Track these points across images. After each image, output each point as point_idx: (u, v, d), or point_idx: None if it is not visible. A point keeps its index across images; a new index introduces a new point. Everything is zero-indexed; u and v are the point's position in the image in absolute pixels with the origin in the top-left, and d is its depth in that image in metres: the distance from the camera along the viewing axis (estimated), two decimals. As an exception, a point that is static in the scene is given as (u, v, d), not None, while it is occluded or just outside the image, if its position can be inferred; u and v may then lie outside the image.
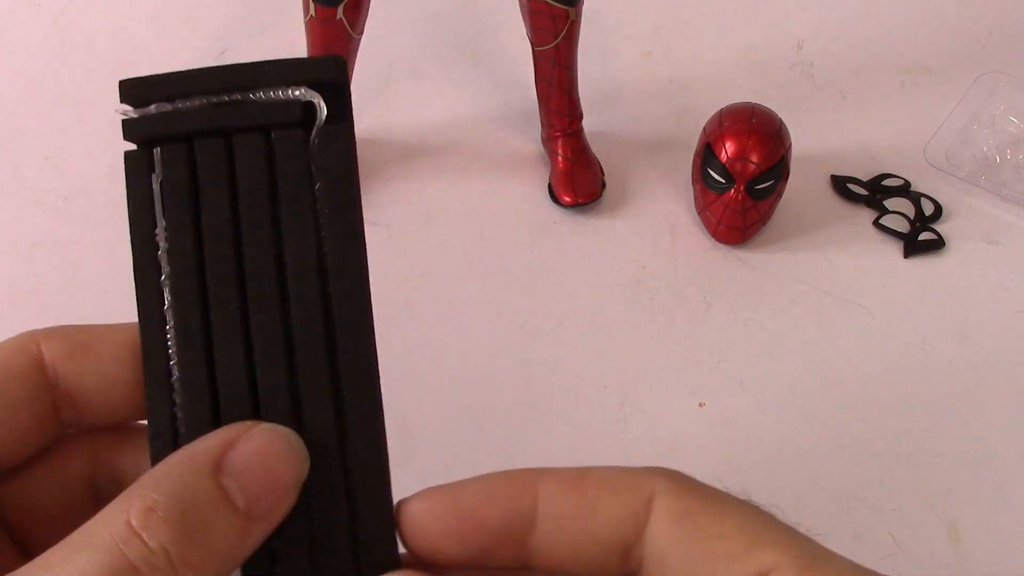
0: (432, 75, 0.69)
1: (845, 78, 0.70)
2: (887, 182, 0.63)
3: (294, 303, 0.24)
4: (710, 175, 0.58)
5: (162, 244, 0.25)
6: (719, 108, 0.59)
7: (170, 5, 0.72)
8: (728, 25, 0.73)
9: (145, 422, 0.24)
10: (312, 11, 0.56)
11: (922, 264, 0.60)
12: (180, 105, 0.24)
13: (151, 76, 0.25)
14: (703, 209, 0.60)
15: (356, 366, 0.24)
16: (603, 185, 0.62)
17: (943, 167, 0.63)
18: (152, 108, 0.25)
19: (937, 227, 0.61)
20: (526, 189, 0.62)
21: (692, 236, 0.60)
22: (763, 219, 0.59)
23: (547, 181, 0.62)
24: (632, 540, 0.22)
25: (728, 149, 0.57)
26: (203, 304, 0.24)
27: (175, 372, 0.24)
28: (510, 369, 0.54)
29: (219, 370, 0.24)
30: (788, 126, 0.58)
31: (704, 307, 0.57)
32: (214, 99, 0.24)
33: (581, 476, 0.23)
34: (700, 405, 0.53)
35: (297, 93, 0.24)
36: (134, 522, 0.20)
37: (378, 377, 0.24)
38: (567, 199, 0.60)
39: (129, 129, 0.25)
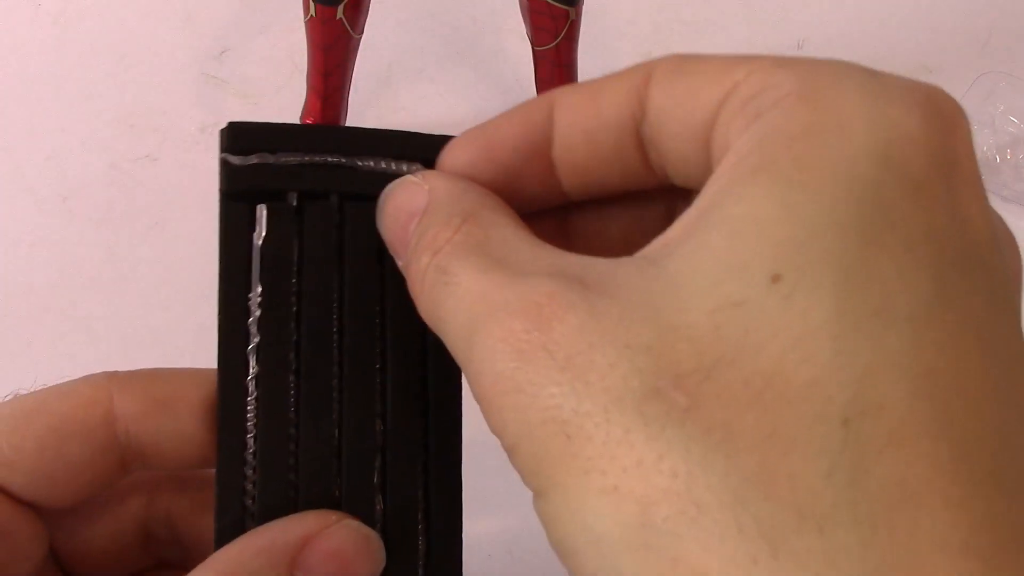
0: (432, 75, 0.69)
1: (845, 78, 0.69)
2: (887, 182, 0.63)
3: (391, 387, 0.23)
4: (710, 175, 0.58)
5: (254, 310, 0.23)
6: (719, 108, 0.59)
7: (170, 5, 0.72)
8: (728, 25, 0.73)
9: (206, 469, 0.24)
10: (312, 11, 0.56)
11: (922, 264, 0.59)
12: (282, 159, 0.23)
13: (259, 124, 0.23)
14: (703, 209, 0.59)
15: (444, 456, 0.23)
16: (603, 185, 0.61)
17: (943, 167, 0.63)
18: (254, 158, 0.23)
19: (937, 227, 0.61)
20: (526, 189, 0.62)
21: (692, 236, 0.60)
22: (763, 219, 0.59)
23: (547, 181, 0.62)
24: (638, 115, 0.21)
25: (728, 149, 0.57)
26: (294, 378, 0.23)
27: (251, 445, 0.23)
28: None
29: (301, 448, 0.23)
30: (788, 126, 0.58)
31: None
32: (317, 159, 0.23)
33: (589, 81, 0.23)
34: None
35: (407, 168, 0.23)
36: None
37: (460, 467, 0.23)
38: (567, 199, 0.60)
39: (230, 178, 0.23)
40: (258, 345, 0.23)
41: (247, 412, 0.23)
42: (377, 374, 0.23)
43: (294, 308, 0.23)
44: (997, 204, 0.65)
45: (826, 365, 0.16)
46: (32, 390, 0.24)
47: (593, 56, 0.67)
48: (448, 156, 0.23)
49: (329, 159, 0.23)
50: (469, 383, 0.19)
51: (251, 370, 0.23)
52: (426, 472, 0.23)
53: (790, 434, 0.15)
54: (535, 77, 0.61)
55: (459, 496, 0.23)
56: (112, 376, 0.24)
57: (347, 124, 0.62)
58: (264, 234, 0.23)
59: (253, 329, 0.23)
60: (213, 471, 0.23)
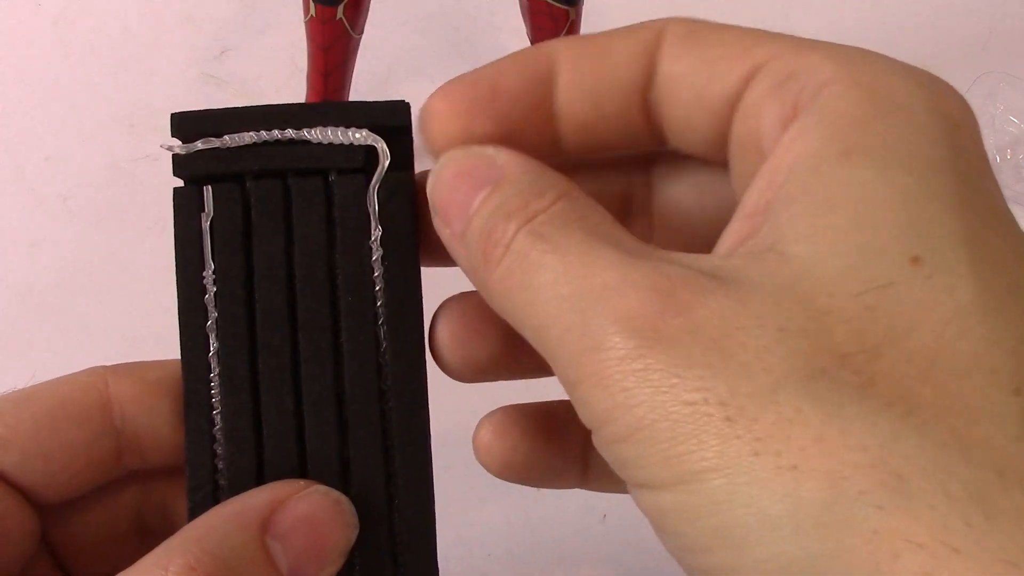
0: (432, 75, 0.69)
1: (845, 78, 0.70)
2: (887, 182, 0.63)
3: (347, 356, 0.23)
4: (710, 175, 0.58)
5: (210, 287, 0.23)
6: (719, 108, 0.59)
7: (170, 5, 0.72)
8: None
9: None
10: (312, 11, 0.56)
11: (922, 264, 0.59)
12: (229, 141, 0.23)
13: (202, 111, 0.23)
14: (703, 209, 0.59)
15: (408, 425, 0.23)
16: (603, 185, 0.62)
17: (943, 167, 0.63)
18: (199, 144, 0.23)
19: (937, 227, 0.61)
20: (526, 189, 0.62)
21: (692, 236, 0.60)
22: (763, 219, 0.59)
23: (547, 181, 0.61)
24: (647, 77, 0.21)
25: (728, 149, 0.57)
26: (252, 352, 0.23)
27: (218, 422, 0.23)
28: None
29: (265, 422, 0.23)
30: (788, 126, 0.58)
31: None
32: (266, 136, 0.23)
33: (591, 34, 0.23)
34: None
35: (357, 136, 0.23)
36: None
37: (429, 436, 0.23)
38: (567, 199, 0.60)
39: (179, 164, 0.24)
40: (216, 321, 0.23)
41: (211, 388, 0.23)
42: (332, 348, 0.23)
43: (247, 284, 0.23)
44: (997, 204, 0.65)
45: (983, 340, 0.16)
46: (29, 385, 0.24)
47: (593, 56, 0.67)
48: (442, 100, 0.23)
49: (277, 135, 0.23)
50: (565, 364, 0.18)
51: (212, 347, 0.23)
52: (392, 445, 0.23)
53: (970, 404, 0.16)
54: (535, 77, 0.61)
55: (428, 468, 0.23)
56: (107, 366, 0.25)
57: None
58: (212, 214, 0.24)
59: (211, 307, 0.24)
60: None
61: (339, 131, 0.23)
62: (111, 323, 0.55)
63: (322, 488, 0.22)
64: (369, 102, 0.24)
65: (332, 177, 0.23)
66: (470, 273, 0.21)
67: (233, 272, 0.23)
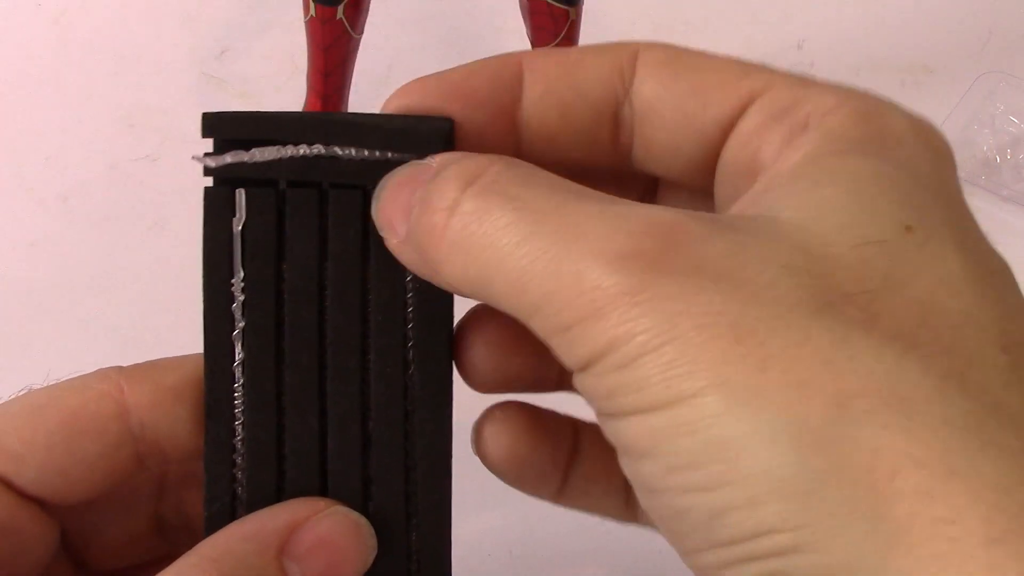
0: (432, 75, 0.69)
1: (845, 78, 0.69)
2: (887, 182, 0.63)
3: (375, 375, 0.23)
4: (710, 175, 0.58)
5: (238, 295, 0.23)
6: (719, 108, 0.59)
7: (170, 5, 0.71)
8: (728, 25, 0.73)
9: None
10: (312, 11, 0.56)
11: (922, 264, 0.59)
12: (259, 155, 0.22)
13: (236, 113, 0.22)
14: (703, 209, 0.59)
15: (431, 448, 0.23)
16: (603, 185, 0.61)
17: (943, 167, 0.63)
18: (228, 157, 0.22)
19: (937, 227, 0.61)
20: (526, 189, 0.62)
21: (692, 236, 0.60)
22: (763, 219, 0.59)
23: (547, 181, 0.61)
24: (619, 97, 0.22)
25: (728, 149, 0.57)
26: (279, 365, 0.23)
27: (240, 433, 0.23)
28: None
29: (288, 437, 0.22)
30: (788, 126, 0.58)
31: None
32: (297, 151, 0.22)
33: (562, 48, 0.23)
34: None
35: (394, 155, 0.22)
36: None
37: (450, 460, 0.23)
38: (567, 199, 0.60)
39: (211, 172, 0.23)
40: (243, 331, 0.23)
41: (234, 399, 0.23)
42: (359, 366, 0.23)
43: (277, 295, 0.23)
44: (997, 204, 0.65)
45: (973, 303, 0.18)
46: (42, 385, 0.24)
47: (593, 56, 0.67)
48: (403, 98, 0.23)
49: (308, 151, 0.22)
50: (555, 310, 0.18)
51: (237, 356, 0.23)
52: (414, 466, 0.23)
53: (965, 351, 0.17)
54: (535, 77, 0.61)
55: (448, 491, 0.23)
56: (121, 369, 0.24)
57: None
58: (244, 219, 0.23)
59: (238, 315, 0.23)
60: None
61: (374, 151, 0.23)
62: (111, 323, 0.55)
63: (342, 509, 0.22)
64: (411, 117, 0.23)
65: (371, 191, 0.22)
66: (420, 266, 0.21)
67: (264, 281, 0.23)
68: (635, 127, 0.22)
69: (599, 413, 0.19)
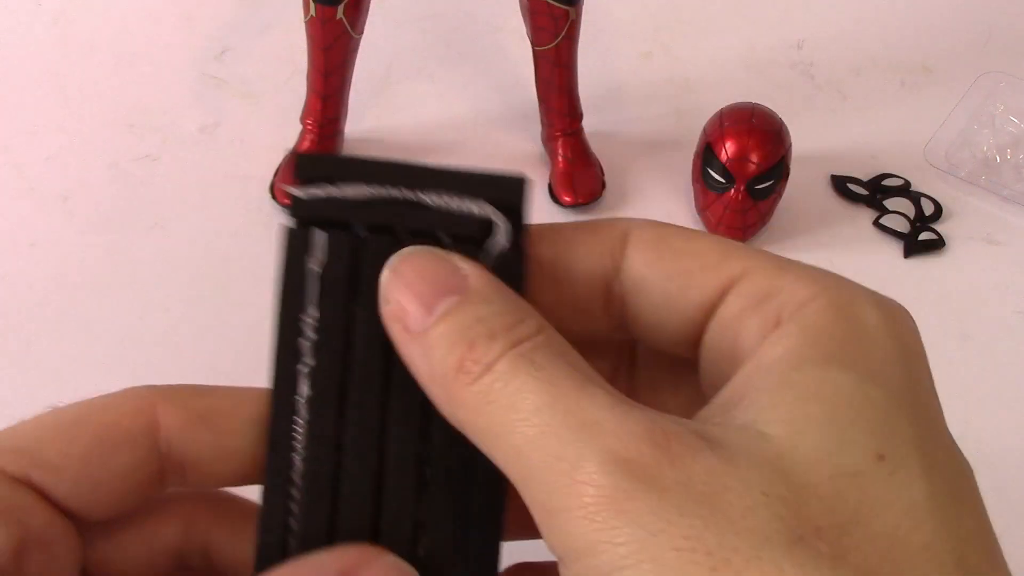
0: (432, 75, 0.69)
1: (845, 78, 0.70)
2: (887, 182, 0.63)
3: (436, 425, 0.23)
4: (710, 175, 0.58)
5: (308, 333, 0.23)
6: (719, 108, 0.59)
7: (170, 5, 0.72)
8: (728, 25, 0.73)
9: (244, 495, 0.24)
10: (312, 11, 0.56)
11: (922, 264, 0.60)
12: (348, 191, 0.23)
13: (326, 156, 0.23)
14: (703, 209, 0.60)
15: (486, 498, 0.23)
16: (603, 185, 0.62)
17: (943, 167, 0.63)
18: (318, 191, 0.23)
19: (937, 227, 0.61)
20: (526, 189, 0.62)
21: (692, 236, 0.60)
22: (763, 219, 0.59)
23: (547, 181, 0.62)
24: (610, 274, 0.23)
25: (728, 149, 0.57)
26: (342, 405, 0.23)
27: (297, 466, 0.23)
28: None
29: (345, 475, 0.23)
30: (788, 126, 0.58)
31: (704, 307, 0.57)
32: (383, 193, 0.23)
33: (562, 224, 0.24)
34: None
35: (476, 209, 0.23)
36: None
37: (504, 512, 0.23)
38: (567, 199, 0.60)
39: (296, 206, 0.23)
40: (312, 369, 0.23)
41: (296, 434, 0.23)
42: (422, 412, 0.23)
43: (347, 336, 0.23)
44: (997, 204, 0.65)
45: (932, 534, 0.19)
46: (70, 402, 0.24)
47: (593, 56, 0.67)
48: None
49: (395, 194, 0.23)
50: (548, 491, 0.19)
51: (303, 393, 0.23)
52: (466, 515, 0.23)
53: None
54: (535, 77, 0.61)
55: (498, 544, 0.23)
56: (155, 388, 0.24)
57: (348, 124, 0.62)
58: (325, 260, 0.23)
59: (306, 352, 0.23)
60: (254, 500, 0.23)
61: (457, 200, 0.23)
62: (111, 323, 0.55)
63: (392, 558, 0.22)
64: (488, 174, 0.24)
65: (445, 242, 0.23)
66: (427, 378, 0.22)
67: (336, 322, 0.23)
68: (624, 302, 0.24)
69: None
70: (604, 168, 0.62)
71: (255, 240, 0.59)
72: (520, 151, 0.64)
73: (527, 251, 0.23)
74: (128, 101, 0.66)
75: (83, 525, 0.24)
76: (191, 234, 0.59)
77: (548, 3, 0.56)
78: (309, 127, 0.60)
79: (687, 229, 0.24)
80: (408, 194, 0.23)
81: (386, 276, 0.22)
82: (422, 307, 0.21)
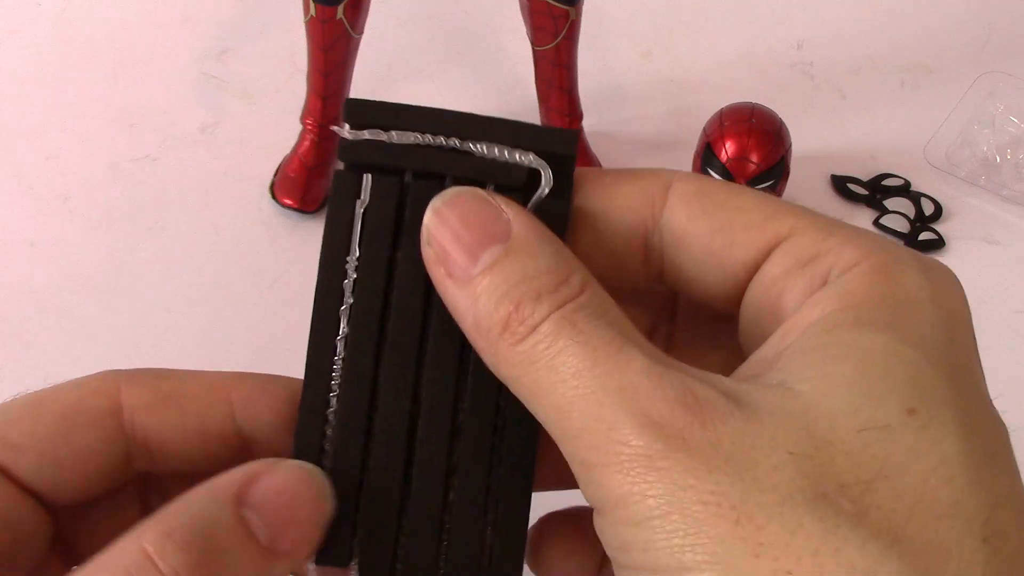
0: (432, 75, 0.69)
1: (845, 78, 0.70)
2: (887, 182, 0.63)
3: (472, 366, 0.23)
4: (710, 175, 0.58)
5: (351, 273, 0.23)
6: (719, 108, 0.59)
7: (170, 5, 0.72)
8: (728, 25, 0.73)
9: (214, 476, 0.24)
10: (312, 11, 0.56)
11: (922, 264, 0.60)
12: (396, 137, 0.23)
13: (376, 101, 0.24)
14: (703, 209, 0.60)
15: (518, 444, 0.23)
16: (603, 185, 0.62)
17: (943, 167, 0.63)
18: (366, 133, 0.23)
19: (937, 227, 0.61)
20: (526, 189, 0.62)
21: (692, 236, 0.60)
22: (763, 219, 0.59)
23: (547, 181, 0.62)
24: (650, 224, 0.23)
25: (728, 149, 0.58)
26: (379, 345, 0.23)
27: (333, 404, 0.23)
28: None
29: (379, 416, 0.23)
30: (788, 126, 0.58)
31: (704, 307, 0.57)
32: (432, 141, 0.23)
33: (607, 170, 0.24)
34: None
35: (523, 158, 0.23)
36: (149, 548, 0.20)
37: (535, 458, 0.23)
38: (567, 199, 0.60)
39: (345, 150, 0.24)
40: (351, 308, 0.23)
41: (333, 371, 0.23)
42: (458, 356, 0.23)
43: (388, 279, 0.24)
44: (997, 204, 0.65)
45: (963, 490, 0.19)
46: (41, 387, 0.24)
47: (593, 56, 0.67)
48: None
49: (443, 141, 0.23)
50: (586, 447, 0.20)
51: (341, 331, 0.23)
52: (498, 463, 0.23)
53: (945, 545, 0.19)
54: (535, 77, 0.61)
55: (528, 491, 0.24)
56: (119, 371, 0.24)
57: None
58: (367, 202, 0.24)
59: (348, 292, 0.24)
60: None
61: (506, 150, 0.23)
62: (111, 323, 0.55)
63: (295, 462, 0.23)
64: (539, 126, 0.24)
65: (490, 189, 0.23)
66: (471, 327, 0.22)
67: (377, 264, 0.24)
68: (664, 255, 0.24)
69: (614, 563, 0.21)
70: (604, 168, 0.62)
71: (255, 240, 0.59)
72: (520, 151, 0.64)
73: (572, 202, 0.24)
74: (128, 101, 0.66)
75: (53, 507, 0.24)
76: (191, 234, 0.59)
77: (548, 3, 0.56)
78: (309, 127, 0.60)
79: (731, 184, 0.23)
80: (456, 142, 0.23)
81: (429, 217, 0.22)
82: (466, 254, 0.22)
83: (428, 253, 0.22)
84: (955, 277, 0.23)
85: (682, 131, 0.64)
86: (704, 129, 0.60)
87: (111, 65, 0.68)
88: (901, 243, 0.22)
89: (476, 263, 0.21)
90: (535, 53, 0.59)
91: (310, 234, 0.58)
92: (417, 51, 0.70)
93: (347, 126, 0.24)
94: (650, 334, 0.26)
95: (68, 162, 0.63)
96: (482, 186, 0.23)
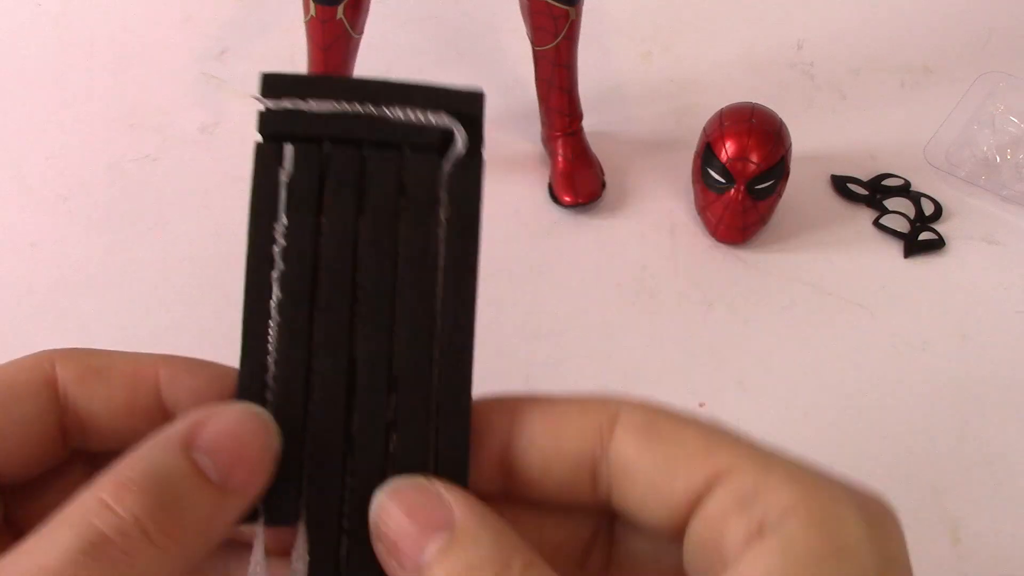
0: (432, 75, 0.69)
1: (845, 78, 0.70)
2: (887, 182, 0.63)
3: (402, 323, 0.24)
4: (710, 175, 0.58)
5: (279, 240, 0.24)
6: (719, 108, 0.59)
7: (170, 5, 0.72)
8: (728, 25, 0.73)
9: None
10: (312, 11, 0.56)
11: (922, 264, 0.60)
12: (314, 106, 0.24)
13: (292, 74, 0.25)
14: (703, 209, 0.60)
15: (452, 396, 0.24)
16: (603, 185, 0.62)
17: (943, 167, 0.63)
18: (286, 102, 0.24)
19: (937, 227, 0.61)
20: (526, 189, 0.62)
21: (692, 236, 0.60)
22: (763, 219, 0.59)
23: (547, 181, 0.62)
24: (598, 454, 0.24)
25: (728, 149, 0.57)
26: (311, 308, 0.24)
27: (271, 368, 0.24)
28: (510, 369, 0.54)
29: (316, 377, 0.24)
30: (788, 126, 0.58)
31: (704, 307, 0.57)
32: (347, 108, 0.24)
33: (555, 399, 0.25)
34: (700, 405, 0.54)
35: (435, 119, 0.24)
36: (106, 497, 0.20)
37: (470, 410, 0.24)
38: (567, 199, 0.60)
39: (263, 121, 0.25)
40: (282, 274, 0.24)
41: (268, 336, 0.24)
42: (389, 313, 0.24)
43: (315, 243, 0.24)
44: (997, 204, 0.65)
45: None
46: None
47: (593, 56, 0.67)
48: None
49: (359, 108, 0.24)
50: None
51: (274, 297, 0.24)
52: (436, 411, 0.24)
53: None
54: (535, 77, 0.61)
55: (467, 439, 0.24)
56: (54, 350, 0.25)
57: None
58: (292, 172, 0.24)
59: (277, 259, 0.24)
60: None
61: (418, 112, 0.24)
62: (111, 323, 0.55)
63: (238, 404, 0.23)
64: (447, 88, 0.25)
65: (406, 152, 0.24)
66: None
67: (303, 229, 0.24)
68: (611, 484, 0.24)
69: None
70: (604, 168, 0.62)
71: (255, 240, 0.59)
72: (520, 151, 0.64)
73: (483, 158, 0.25)
74: (128, 101, 0.66)
75: (1, 486, 0.24)
76: (191, 234, 0.59)
77: (548, 3, 0.56)
78: (309, 127, 0.60)
79: (677, 414, 0.24)
80: (371, 108, 0.24)
81: (375, 512, 0.23)
82: (413, 545, 0.22)
83: (379, 548, 0.23)
84: (893, 515, 0.24)
85: (682, 131, 0.64)
86: (704, 129, 0.60)
87: (111, 65, 0.68)
88: (837, 477, 0.23)
89: (423, 552, 0.22)
90: (535, 53, 0.59)
91: (310, 234, 0.58)
92: (417, 51, 0.70)
93: (264, 99, 0.24)
94: (589, 548, 0.26)
95: (68, 162, 0.63)
96: (399, 148, 0.24)
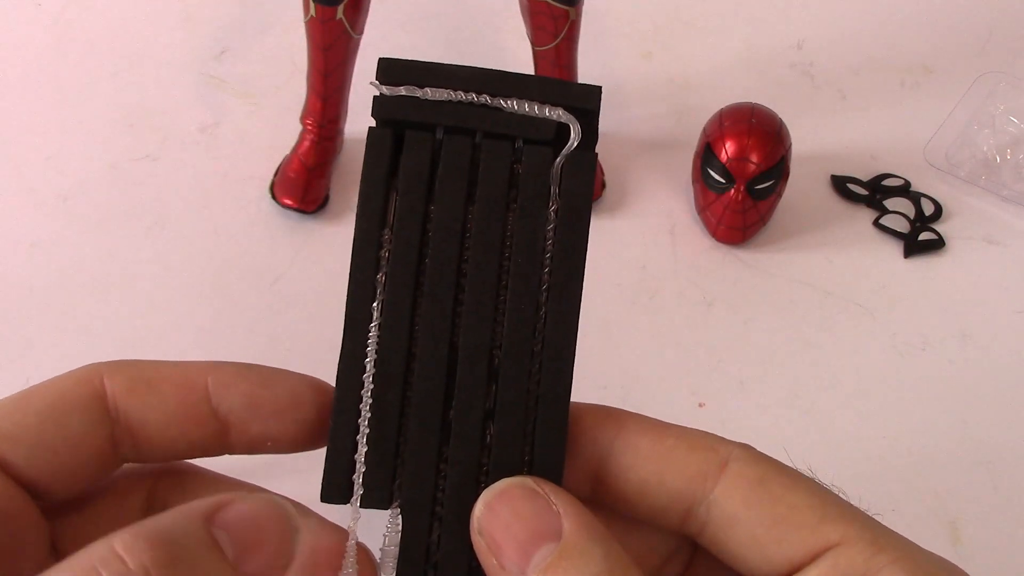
0: (432, 75, 0.69)
1: (845, 78, 0.70)
2: (887, 182, 0.63)
3: (508, 314, 0.24)
4: (710, 175, 0.58)
5: (387, 224, 0.24)
6: (719, 108, 0.59)
7: (170, 5, 0.72)
8: (728, 25, 0.73)
9: (202, 464, 0.25)
10: (312, 11, 0.56)
11: (922, 264, 0.60)
12: (430, 94, 0.24)
13: (410, 60, 0.24)
14: (703, 209, 0.60)
15: (553, 390, 0.24)
16: (603, 185, 0.62)
17: (943, 167, 0.63)
18: (402, 89, 0.24)
19: (937, 227, 0.61)
20: (526, 189, 0.62)
21: (692, 236, 0.60)
22: (763, 219, 0.59)
23: (547, 181, 0.62)
24: (698, 498, 0.24)
25: (728, 149, 0.57)
26: (416, 294, 0.24)
27: (372, 353, 0.24)
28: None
29: (417, 363, 0.24)
30: (788, 126, 0.58)
31: (704, 307, 0.57)
32: (464, 97, 0.24)
33: (663, 426, 0.24)
34: (700, 405, 0.54)
35: (551, 113, 0.24)
36: (119, 547, 0.20)
37: (568, 404, 0.24)
38: (567, 199, 0.60)
39: (379, 106, 0.24)
40: (389, 257, 0.24)
41: (371, 319, 0.24)
42: (493, 304, 0.24)
43: (423, 230, 0.24)
44: (997, 204, 0.65)
45: None
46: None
47: (593, 56, 0.67)
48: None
49: (475, 98, 0.24)
50: None
51: (380, 280, 0.24)
52: (535, 404, 0.24)
53: None
54: (535, 77, 0.61)
55: (564, 434, 0.24)
56: (102, 363, 0.25)
57: (348, 124, 0.62)
58: (402, 156, 0.24)
59: (386, 243, 0.24)
60: (205, 469, 0.24)
61: (535, 105, 0.24)
62: (111, 323, 0.55)
63: (264, 494, 0.23)
64: (565, 82, 0.25)
65: (519, 144, 0.24)
66: None
67: (412, 216, 0.24)
68: (707, 527, 0.24)
69: None
70: (604, 168, 0.62)
71: (255, 240, 0.59)
72: (520, 151, 0.64)
73: (596, 154, 0.24)
74: (128, 101, 0.66)
75: (48, 503, 0.24)
76: (191, 234, 0.59)
77: (548, 3, 0.56)
78: (309, 127, 0.60)
79: (789, 471, 0.24)
80: (486, 99, 0.24)
81: (480, 510, 0.23)
82: (519, 551, 0.22)
83: (479, 543, 0.23)
84: None
85: (682, 131, 0.64)
86: (704, 129, 0.60)
87: (111, 65, 0.68)
88: (950, 563, 0.23)
89: (529, 562, 0.22)
90: (535, 53, 0.59)
91: (310, 234, 0.58)
92: (417, 51, 0.70)
93: (380, 84, 0.24)
94: (667, 559, 0.26)
95: (68, 162, 0.63)
96: (512, 140, 0.24)
